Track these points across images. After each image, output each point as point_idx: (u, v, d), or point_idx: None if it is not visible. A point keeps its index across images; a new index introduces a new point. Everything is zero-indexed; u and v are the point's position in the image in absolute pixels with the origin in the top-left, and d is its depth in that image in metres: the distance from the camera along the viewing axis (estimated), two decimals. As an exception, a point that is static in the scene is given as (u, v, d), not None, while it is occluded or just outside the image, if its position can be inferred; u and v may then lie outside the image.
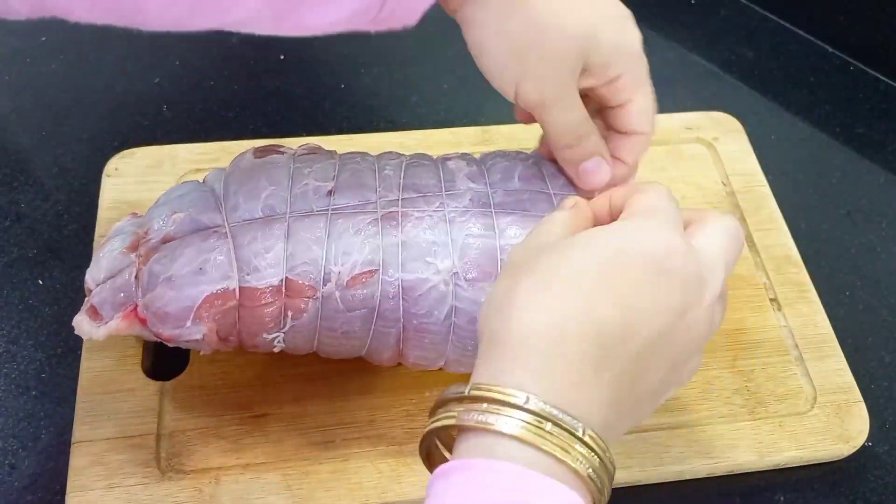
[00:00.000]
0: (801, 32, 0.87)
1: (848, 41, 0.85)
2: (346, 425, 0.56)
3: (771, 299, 0.64)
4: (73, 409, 0.55)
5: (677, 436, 0.57)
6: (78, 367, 0.57)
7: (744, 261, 0.66)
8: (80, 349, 0.58)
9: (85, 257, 0.63)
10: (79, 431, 0.54)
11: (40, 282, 0.63)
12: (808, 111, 0.80)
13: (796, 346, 0.62)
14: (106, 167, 0.67)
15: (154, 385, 0.56)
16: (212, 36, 0.81)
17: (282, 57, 0.81)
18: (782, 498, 0.57)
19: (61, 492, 0.52)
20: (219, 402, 0.56)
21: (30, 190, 0.69)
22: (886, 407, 0.61)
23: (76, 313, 0.58)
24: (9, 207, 0.68)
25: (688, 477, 0.57)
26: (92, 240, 0.63)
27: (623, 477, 0.55)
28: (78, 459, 0.53)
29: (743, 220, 0.68)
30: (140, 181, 0.66)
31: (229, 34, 0.82)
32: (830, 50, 0.85)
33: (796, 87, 0.82)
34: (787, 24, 0.87)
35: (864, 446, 0.58)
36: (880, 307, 0.67)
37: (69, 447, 0.54)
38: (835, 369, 0.61)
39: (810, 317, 0.63)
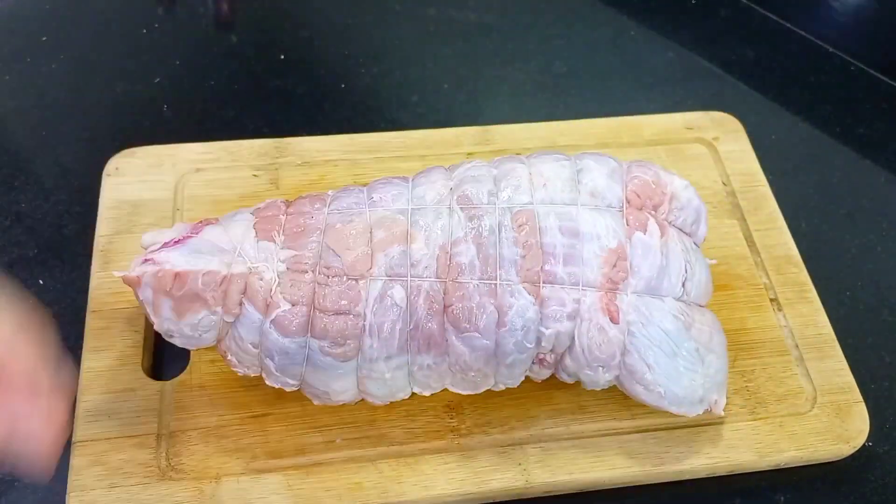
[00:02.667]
0: (801, 33, 0.87)
1: (848, 41, 0.85)
2: (346, 425, 0.56)
3: (771, 299, 0.64)
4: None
5: (677, 436, 0.57)
6: (79, 366, 0.57)
7: (744, 261, 0.66)
8: (81, 349, 0.57)
9: (85, 257, 0.62)
10: (79, 431, 0.54)
11: (41, 281, 0.63)
12: (808, 111, 0.80)
13: (797, 346, 0.62)
14: (106, 167, 0.67)
15: (154, 385, 0.56)
16: (212, 35, 0.82)
17: (282, 57, 0.81)
18: (783, 498, 0.57)
19: (62, 491, 0.52)
20: (219, 402, 0.56)
21: (30, 189, 0.69)
22: (887, 407, 0.61)
23: (76, 313, 0.59)
24: (9, 207, 0.68)
25: (688, 477, 0.57)
26: (92, 240, 0.63)
27: (623, 477, 0.55)
28: (78, 459, 0.53)
29: (743, 219, 0.68)
30: (140, 180, 0.66)
31: (229, 32, 0.83)
32: (831, 50, 0.85)
33: (797, 88, 0.82)
34: (788, 25, 0.87)
35: (864, 446, 0.58)
36: (881, 307, 0.66)
37: (70, 447, 0.53)
38: (835, 369, 0.61)
39: (811, 317, 0.63)
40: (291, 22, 0.84)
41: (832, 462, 0.58)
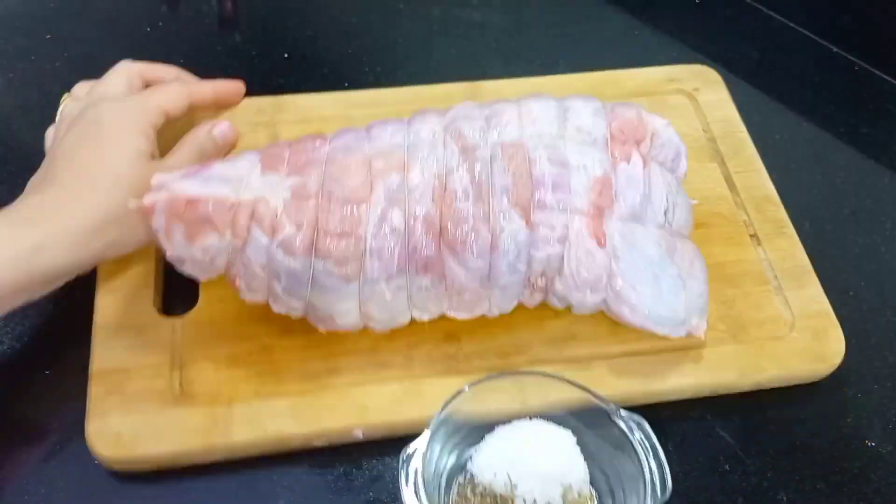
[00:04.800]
0: (805, 32, 0.87)
1: (853, 41, 0.85)
2: (350, 354, 0.59)
3: (751, 235, 0.67)
4: (76, 405, 0.56)
5: (663, 358, 0.60)
6: (81, 363, 0.57)
7: (724, 201, 0.69)
8: (84, 346, 0.58)
9: None
10: (96, 362, 0.57)
11: None
12: (812, 111, 0.80)
13: (775, 277, 0.65)
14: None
15: (166, 320, 0.59)
16: (216, 34, 0.83)
17: (286, 55, 0.82)
18: (785, 498, 0.57)
19: (81, 419, 0.55)
20: (228, 334, 0.59)
21: None
22: (891, 407, 0.62)
23: (80, 309, 0.60)
24: None
25: (674, 398, 0.59)
26: None
27: (612, 396, 0.57)
28: (96, 388, 0.56)
29: (723, 163, 0.71)
30: (146, 136, 0.69)
31: (233, 31, 0.84)
32: (835, 50, 0.86)
33: (801, 87, 0.83)
34: (792, 24, 0.88)
35: (868, 446, 0.59)
36: (885, 308, 0.67)
37: (72, 441, 0.55)
38: (812, 297, 0.64)
39: (789, 251, 0.66)
40: (295, 21, 0.85)
41: (836, 463, 0.58)
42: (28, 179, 0.65)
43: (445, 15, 0.87)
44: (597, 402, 0.52)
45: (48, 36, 0.81)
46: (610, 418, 0.51)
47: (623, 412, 0.51)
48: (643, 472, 0.49)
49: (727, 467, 0.58)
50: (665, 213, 0.57)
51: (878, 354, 0.64)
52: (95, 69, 0.75)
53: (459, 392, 0.51)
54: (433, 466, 0.50)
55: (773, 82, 0.83)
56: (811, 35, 0.87)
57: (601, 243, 0.55)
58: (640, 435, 0.50)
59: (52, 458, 0.56)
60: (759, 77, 0.83)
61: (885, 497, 0.57)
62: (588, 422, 0.53)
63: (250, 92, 0.65)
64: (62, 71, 0.78)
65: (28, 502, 0.54)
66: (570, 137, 0.57)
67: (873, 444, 0.59)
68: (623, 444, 0.51)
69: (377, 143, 0.56)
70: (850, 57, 0.85)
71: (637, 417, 0.51)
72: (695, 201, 0.66)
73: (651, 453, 0.49)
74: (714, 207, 0.69)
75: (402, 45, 0.84)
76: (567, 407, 0.53)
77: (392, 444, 0.54)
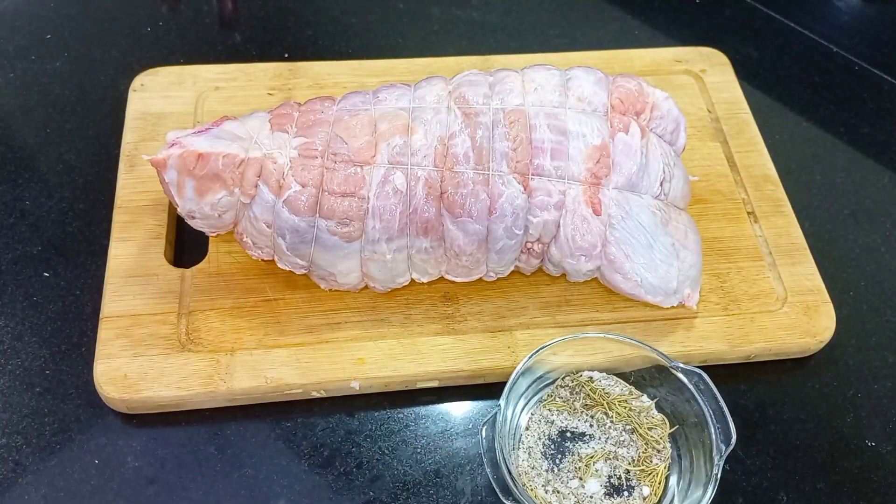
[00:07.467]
0: (805, 32, 0.87)
1: (853, 41, 0.86)
2: (351, 310, 0.61)
3: (748, 212, 0.68)
4: (76, 405, 0.58)
5: (654, 327, 0.61)
6: (82, 363, 0.59)
7: (724, 178, 0.70)
8: (84, 346, 0.60)
9: (89, 254, 0.65)
10: (106, 307, 0.59)
11: (46, 275, 0.64)
12: (812, 111, 0.81)
13: (770, 253, 0.66)
14: (133, 83, 0.72)
15: (175, 271, 0.61)
16: (216, 34, 0.83)
17: (286, 56, 0.82)
18: (785, 498, 0.58)
19: (90, 361, 0.57)
20: (234, 287, 0.61)
21: (34, 187, 0.69)
22: (891, 407, 0.62)
23: (79, 310, 0.62)
24: (13, 204, 0.68)
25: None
26: (96, 237, 0.66)
27: (604, 361, 0.60)
28: (105, 332, 0.58)
29: (726, 143, 0.73)
30: (163, 96, 0.71)
31: (233, 31, 0.84)
32: (835, 50, 0.86)
33: (801, 87, 0.83)
34: (792, 24, 0.88)
35: (868, 446, 0.60)
36: (884, 307, 0.68)
37: (73, 437, 0.57)
38: (805, 274, 0.65)
39: (784, 228, 0.68)
40: (295, 21, 0.85)
41: (837, 463, 0.59)
42: (28, 179, 0.67)
43: (445, 15, 0.87)
44: (659, 358, 0.56)
45: (48, 36, 0.80)
46: (670, 372, 0.55)
47: (682, 366, 0.55)
48: (706, 419, 0.54)
49: (727, 467, 0.59)
50: (661, 184, 0.59)
51: (878, 354, 0.65)
52: (95, 69, 0.78)
53: (542, 347, 0.55)
54: (510, 412, 0.55)
55: (773, 82, 0.83)
56: (811, 35, 0.87)
57: (597, 211, 0.56)
58: (700, 385, 0.55)
59: (63, 398, 0.58)
60: (760, 77, 0.83)
61: (885, 497, 0.58)
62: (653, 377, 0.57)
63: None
64: (61, 71, 0.78)
65: (38, 440, 0.57)
66: (570, 106, 0.58)
67: (873, 443, 0.60)
68: (685, 392, 0.55)
69: (383, 106, 0.57)
70: (850, 57, 0.85)
71: (697, 370, 0.55)
72: (695, 178, 0.67)
73: (712, 401, 0.54)
74: (714, 185, 0.70)
75: (402, 45, 0.84)
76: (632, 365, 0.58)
77: (388, 442, 0.57)
